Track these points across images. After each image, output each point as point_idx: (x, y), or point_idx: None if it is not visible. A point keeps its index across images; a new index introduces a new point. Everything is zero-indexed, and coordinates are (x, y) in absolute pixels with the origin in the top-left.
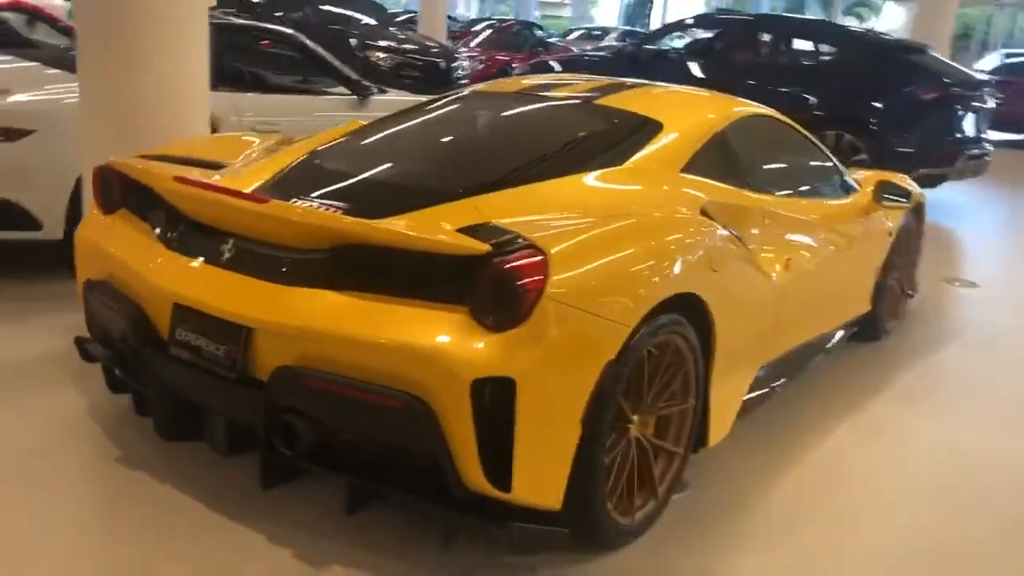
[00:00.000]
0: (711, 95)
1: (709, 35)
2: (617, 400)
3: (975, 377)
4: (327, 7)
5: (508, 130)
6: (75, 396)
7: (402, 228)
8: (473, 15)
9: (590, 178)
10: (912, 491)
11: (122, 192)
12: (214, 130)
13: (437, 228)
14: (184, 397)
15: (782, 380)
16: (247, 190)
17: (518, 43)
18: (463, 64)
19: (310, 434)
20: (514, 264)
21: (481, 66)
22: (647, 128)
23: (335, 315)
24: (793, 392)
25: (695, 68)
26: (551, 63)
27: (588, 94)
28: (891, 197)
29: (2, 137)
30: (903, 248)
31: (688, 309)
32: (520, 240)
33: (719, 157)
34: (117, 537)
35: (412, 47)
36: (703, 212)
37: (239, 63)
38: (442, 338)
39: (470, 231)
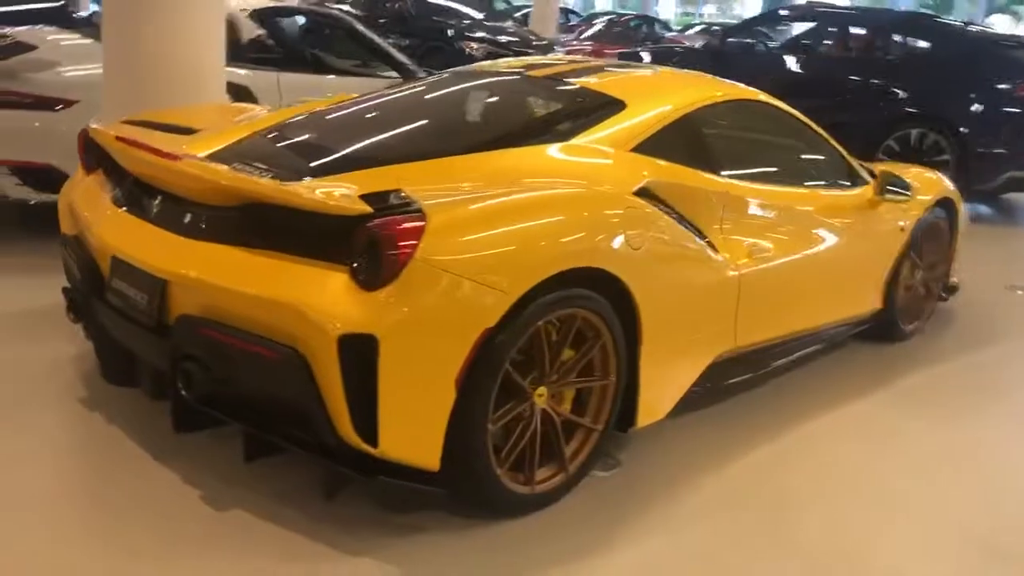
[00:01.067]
0: (697, 78)
1: (802, 29)
2: (503, 368)
3: (999, 387)
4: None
5: (469, 105)
6: (65, 343)
7: (297, 190)
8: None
9: (529, 153)
10: (865, 492)
11: (98, 154)
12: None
13: (331, 191)
14: (119, 343)
15: (758, 371)
16: (202, 154)
17: (631, 36)
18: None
19: (205, 380)
20: (385, 227)
21: None
22: (609, 107)
23: (230, 270)
24: (779, 383)
25: (784, 63)
26: (641, 54)
27: (568, 75)
28: (893, 190)
29: (57, 106)
30: (929, 246)
31: (603, 285)
32: (408, 205)
33: (683, 139)
34: (48, 464)
35: (509, 39)
36: (646, 191)
37: (302, 45)
38: (318, 295)
39: (373, 196)
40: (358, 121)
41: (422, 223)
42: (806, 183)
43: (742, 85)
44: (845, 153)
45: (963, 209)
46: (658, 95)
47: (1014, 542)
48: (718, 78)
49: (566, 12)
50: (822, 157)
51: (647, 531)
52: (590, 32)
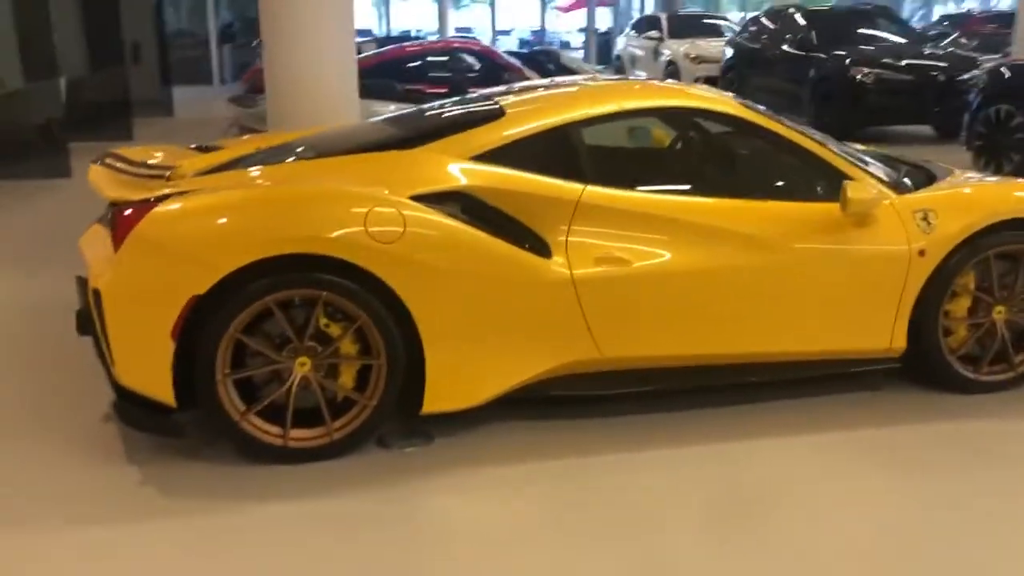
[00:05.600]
0: (635, 88)
1: None
2: (226, 330)
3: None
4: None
5: (406, 122)
6: None
7: (106, 186)
8: None
9: (363, 158)
10: (649, 516)
11: None
12: None
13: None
14: None
15: (665, 387)
16: (195, 168)
17: None
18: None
19: (85, 322)
20: (119, 211)
21: None
22: (486, 118)
23: (94, 243)
24: (743, 410)
25: None
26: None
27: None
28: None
29: None
30: (1009, 280)
31: (353, 273)
32: (165, 197)
33: (548, 149)
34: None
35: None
36: (463, 195)
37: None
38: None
39: (174, 193)
40: (302, 138)
41: (147, 209)
42: (736, 194)
43: (707, 93)
44: (842, 166)
45: None
46: (545, 109)
47: None
48: (682, 86)
49: None
50: (783, 169)
51: (380, 499)
52: None
